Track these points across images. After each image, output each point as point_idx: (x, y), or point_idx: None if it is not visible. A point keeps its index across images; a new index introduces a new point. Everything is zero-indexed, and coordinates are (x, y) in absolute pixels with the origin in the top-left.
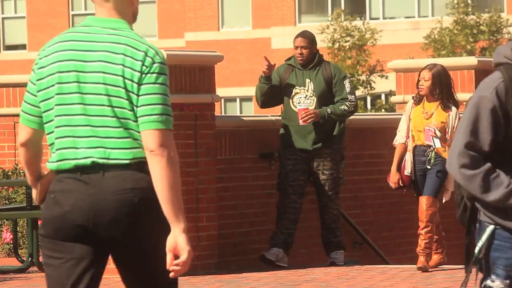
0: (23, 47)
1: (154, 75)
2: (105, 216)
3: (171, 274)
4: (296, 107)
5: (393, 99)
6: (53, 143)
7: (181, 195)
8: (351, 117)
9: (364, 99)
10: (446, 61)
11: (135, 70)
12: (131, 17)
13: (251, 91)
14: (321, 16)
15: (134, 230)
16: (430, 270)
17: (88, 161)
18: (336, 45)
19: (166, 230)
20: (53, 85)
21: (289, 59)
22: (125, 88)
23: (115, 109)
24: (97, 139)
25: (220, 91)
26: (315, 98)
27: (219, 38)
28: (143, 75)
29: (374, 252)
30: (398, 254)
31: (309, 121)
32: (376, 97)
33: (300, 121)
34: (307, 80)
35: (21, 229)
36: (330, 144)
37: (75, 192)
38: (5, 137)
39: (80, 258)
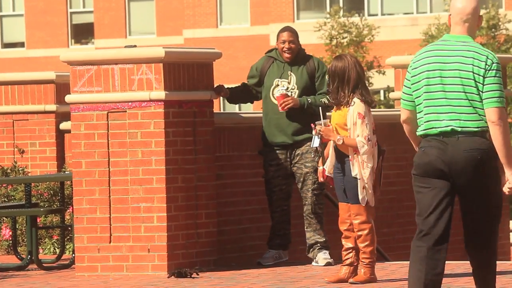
0: (21, 45)
1: (494, 71)
2: (457, 166)
3: (506, 193)
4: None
5: (391, 95)
6: (421, 118)
7: None
8: None
9: None
10: None
11: (481, 68)
12: (474, 33)
13: None
14: (319, 12)
15: (477, 177)
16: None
17: (448, 128)
18: (334, 42)
19: (498, 177)
20: (422, 79)
21: (270, 51)
22: (474, 79)
23: (467, 94)
24: (455, 114)
25: None
26: (298, 91)
27: (218, 35)
28: (486, 71)
29: None
30: (397, 250)
31: (287, 107)
32: (374, 93)
33: (279, 108)
34: (289, 73)
35: (20, 226)
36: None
37: (438, 149)
38: (4, 135)
39: (441, 188)
